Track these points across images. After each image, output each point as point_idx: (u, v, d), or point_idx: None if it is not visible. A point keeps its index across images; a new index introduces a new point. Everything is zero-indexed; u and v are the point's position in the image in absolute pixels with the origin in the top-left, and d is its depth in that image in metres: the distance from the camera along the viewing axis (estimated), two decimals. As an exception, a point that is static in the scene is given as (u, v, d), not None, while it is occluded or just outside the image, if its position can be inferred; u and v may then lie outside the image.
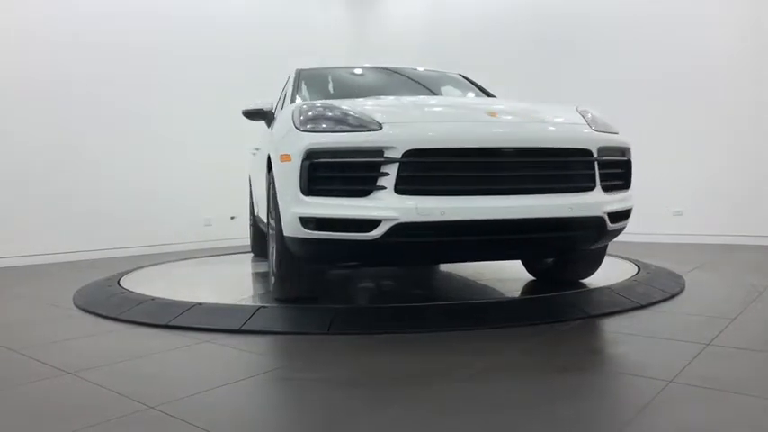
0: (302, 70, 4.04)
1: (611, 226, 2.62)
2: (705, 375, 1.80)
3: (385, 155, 2.37)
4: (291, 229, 2.53)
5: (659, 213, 6.38)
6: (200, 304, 3.00)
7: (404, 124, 2.53)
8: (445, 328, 2.48)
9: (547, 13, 7.12)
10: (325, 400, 1.70)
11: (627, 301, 2.88)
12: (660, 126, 6.38)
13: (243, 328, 2.55)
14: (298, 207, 2.46)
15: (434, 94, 3.78)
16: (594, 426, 1.45)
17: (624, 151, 2.81)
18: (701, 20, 6.12)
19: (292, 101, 3.55)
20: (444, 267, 4.19)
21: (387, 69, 4.16)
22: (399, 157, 2.37)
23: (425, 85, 3.93)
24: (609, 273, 3.63)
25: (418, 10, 8.27)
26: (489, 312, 2.60)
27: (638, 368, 1.89)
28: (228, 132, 6.24)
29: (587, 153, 2.57)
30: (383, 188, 2.37)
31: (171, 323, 2.67)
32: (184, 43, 6.50)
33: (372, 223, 2.35)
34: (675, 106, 6.27)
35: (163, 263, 4.92)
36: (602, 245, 2.99)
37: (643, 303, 2.88)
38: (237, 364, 2.09)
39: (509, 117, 2.70)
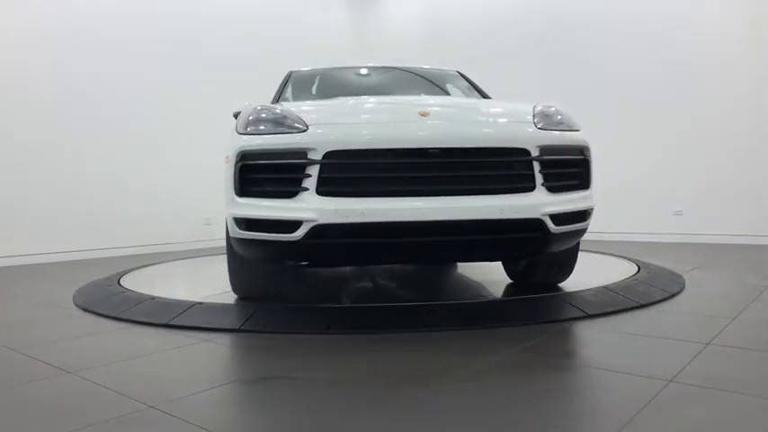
0: (293, 72, 4.10)
1: (555, 228, 2.46)
2: (705, 375, 1.80)
3: (308, 156, 2.40)
4: (231, 229, 2.61)
5: (659, 213, 6.38)
6: (200, 303, 3.00)
7: (328, 125, 2.56)
8: (443, 327, 2.48)
9: (547, 12, 7.12)
10: (324, 400, 1.70)
11: (627, 300, 2.88)
12: (660, 126, 6.38)
13: (242, 327, 2.55)
14: (233, 208, 2.54)
15: (418, 93, 3.71)
16: (594, 425, 1.45)
17: (581, 150, 2.66)
18: (701, 19, 6.12)
19: (276, 102, 3.61)
20: (453, 267, 4.19)
21: (378, 68, 4.15)
22: (320, 158, 2.39)
23: (412, 84, 3.90)
24: (609, 272, 3.63)
25: (418, 9, 8.27)
26: (488, 312, 2.60)
27: (638, 367, 1.89)
28: (229, 132, 6.22)
29: (523, 152, 2.46)
30: (306, 189, 2.39)
31: (171, 322, 2.67)
32: (184, 43, 6.50)
33: (294, 224, 2.38)
34: (675, 106, 6.27)
35: (163, 262, 4.92)
36: (559, 249, 2.74)
37: (643, 303, 2.88)
38: (237, 363, 2.09)
39: (441, 117, 2.65)
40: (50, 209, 5.43)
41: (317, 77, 4.02)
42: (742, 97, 5.91)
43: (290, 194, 2.42)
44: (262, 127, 2.57)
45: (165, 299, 3.06)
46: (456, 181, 2.42)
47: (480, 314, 2.60)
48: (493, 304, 2.66)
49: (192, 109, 6.40)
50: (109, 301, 3.13)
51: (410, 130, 2.48)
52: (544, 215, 2.43)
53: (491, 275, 3.77)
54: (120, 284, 3.53)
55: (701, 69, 6.12)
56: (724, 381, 1.74)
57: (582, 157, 2.65)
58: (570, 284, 3.07)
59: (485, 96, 3.78)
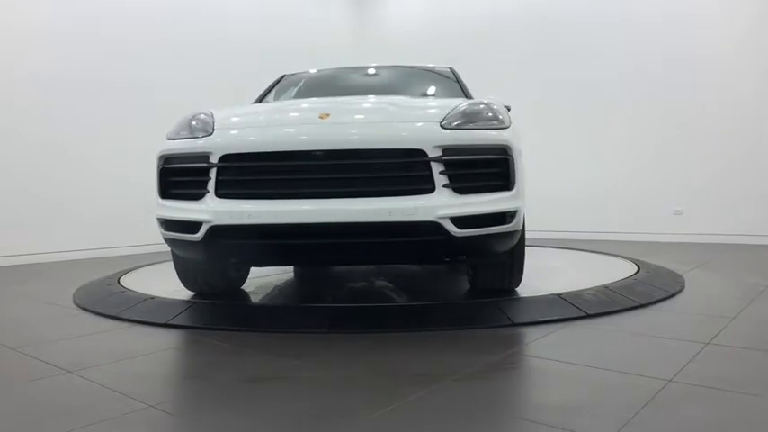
0: (285, 75, 4.21)
1: (459, 232, 2.37)
2: (705, 375, 1.80)
3: (209, 160, 2.49)
4: (159, 229, 2.75)
5: (659, 213, 6.39)
6: (200, 303, 3.00)
7: (230, 129, 2.63)
8: (443, 327, 2.48)
9: (547, 12, 7.12)
10: (324, 399, 1.70)
11: (627, 300, 2.88)
12: (660, 125, 6.38)
13: (242, 326, 2.55)
14: (157, 209, 2.71)
15: (397, 92, 3.60)
16: (594, 425, 1.45)
17: (500, 149, 2.49)
18: (702, 18, 6.12)
19: (258, 103, 3.70)
20: (458, 267, 4.19)
21: (366, 69, 4.14)
22: (216, 162, 2.47)
23: (397, 84, 3.89)
24: (608, 272, 3.63)
25: (418, 10, 8.27)
26: (487, 313, 2.60)
27: (638, 367, 1.89)
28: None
29: (419, 153, 2.37)
30: (207, 192, 2.50)
31: (170, 322, 2.67)
32: (183, 44, 6.50)
33: (196, 226, 2.50)
34: (675, 105, 6.27)
35: (163, 261, 4.91)
36: (485, 254, 2.69)
37: (643, 302, 2.89)
38: (237, 362, 2.09)
39: (343, 119, 2.62)
40: (50, 209, 5.43)
41: (303, 80, 4.11)
42: (743, 97, 5.91)
43: (197, 197, 2.54)
44: (183, 132, 2.69)
45: (164, 298, 3.06)
46: (345, 183, 2.41)
47: (479, 315, 2.60)
48: (492, 305, 2.66)
49: (192, 109, 6.38)
50: (109, 300, 3.12)
51: (299, 132, 2.52)
52: (442, 218, 2.34)
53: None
54: (119, 284, 3.53)
55: (701, 68, 6.12)
56: (724, 380, 1.74)
57: (501, 156, 2.47)
58: (570, 284, 3.07)
59: (466, 94, 3.65)
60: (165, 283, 3.54)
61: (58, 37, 5.55)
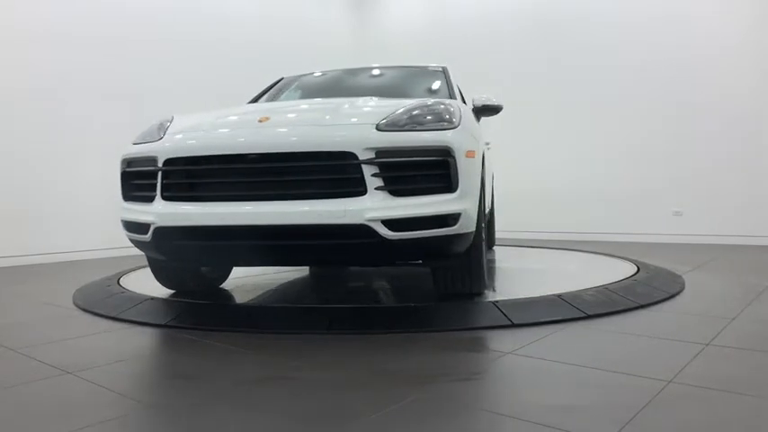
0: (283, 78, 4.28)
1: (393, 234, 2.35)
2: (705, 375, 1.80)
3: (156, 164, 2.61)
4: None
5: (659, 214, 6.39)
6: (200, 304, 3.01)
7: (177, 134, 2.70)
8: (442, 327, 2.48)
9: (547, 12, 7.12)
10: (323, 400, 1.70)
11: (626, 300, 2.88)
12: (659, 126, 6.38)
13: (242, 327, 2.55)
14: (120, 211, 2.84)
15: (382, 93, 3.56)
16: (594, 426, 1.45)
17: (441, 151, 2.42)
18: (701, 18, 6.13)
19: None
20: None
21: (357, 71, 4.15)
22: (161, 165, 2.59)
23: (384, 85, 3.90)
24: (608, 273, 3.64)
25: (418, 10, 8.28)
26: (487, 313, 2.60)
27: (638, 368, 1.89)
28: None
29: (350, 156, 2.36)
30: (156, 195, 2.63)
31: (170, 323, 2.67)
32: (183, 45, 6.50)
33: (145, 227, 2.63)
34: (675, 106, 6.28)
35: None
36: (430, 257, 2.68)
37: (642, 303, 2.89)
38: (237, 363, 2.09)
39: (281, 122, 2.63)
40: (50, 209, 5.43)
41: (297, 82, 4.17)
42: (742, 97, 5.92)
43: (148, 199, 2.67)
44: (145, 137, 2.83)
45: (164, 299, 3.06)
46: (278, 186, 2.45)
47: (479, 315, 2.60)
48: (491, 306, 2.66)
49: (192, 110, 6.39)
50: (108, 301, 3.12)
51: (236, 136, 2.57)
52: (372, 220, 2.32)
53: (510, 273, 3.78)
54: (119, 285, 3.53)
55: (701, 69, 6.13)
56: (724, 381, 1.75)
57: (441, 158, 2.41)
58: (570, 285, 3.07)
59: (451, 94, 3.60)
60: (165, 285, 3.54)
61: (63, 37, 5.55)
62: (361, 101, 2.86)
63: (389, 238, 2.35)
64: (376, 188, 2.36)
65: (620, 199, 6.61)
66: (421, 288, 3.30)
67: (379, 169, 2.37)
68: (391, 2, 8.60)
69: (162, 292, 3.26)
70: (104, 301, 3.13)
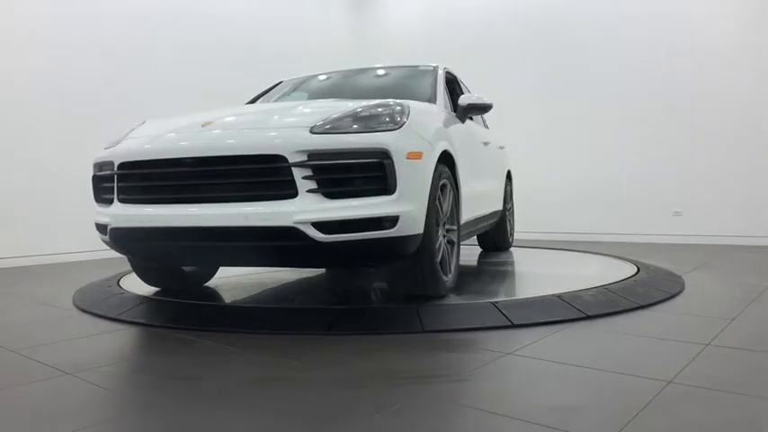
0: (282, 81, 4.35)
1: (324, 237, 2.34)
2: (705, 375, 1.80)
3: (113, 168, 2.74)
4: None
5: (659, 214, 6.39)
6: (200, 304, 3.01)
7: (132, 139, 2.82)
8: (444, 329, 2.48)
9: (546, 12, 7.13)
10: (323, 400, 1.70)
11: (626, 301, 2.88)
12: (659, 127, 6.39)
13: (242, 328, 2.55)
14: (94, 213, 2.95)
15: (373, 94, 3.65)
16: (594, 427, 1.45)
17: (377, 153, 2.40)
18: (700, 17, 6.13)
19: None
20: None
21: (351, 72, 4.17)
22: (116, 170, 2.71)
23: (377, 85, 3.93)
24: (608, 273, 3.63)
25: (417, 11, 8.28)
26: (486, 313, 2.60)
27: (638, 368, 1.89)
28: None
29: (280, 159, 2.37)
30: (113, 197, 2.76)
31: (170, 323, 2.67)
32: (183, 45, 6.50)
33: (105, 228, 2.78)
34: (675, 106, 6.28)
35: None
36: (368, 259, 2.70)
37: (642, 304, 2.89)
38: (236, 363, 2.09)
39: (223, 126, 2.68)
40: (51, 209, 5.42)
41: (292, 84, 4.25)
42: (742, 97, 5.92)
43: (108, 201, 2.80)
44: (112, 142, 2.93)
45: (164, 300, 3.06)
46: (214, 189, 2.50)
47: (479, 316, 2.59)
48: (491, 306, 2.66)
49: (191, 111, 6.39)
50: (108, 302, 3.12)
51: (177, 140, 2.63)
52: (301, 223, 2.33)
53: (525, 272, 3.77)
54: (119, 285, 3.53)
55: (700, 69, 6.13)
56: (724, 381, 1.74)
57: (377, 160, 2.39)
58: (570, 286, 3.07)
59: (435, 93, 3.54)
60: (165, 285, 3.54)
61: (62, 39, 5.55)
62: (312, 104, 2.88)
63: (321, 240, 2.35)
64: (308, 190, 2.37)
65: (619, 199, 6.61)
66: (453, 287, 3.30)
67: (312, 172, 2.37)
68: (391, 3, 8.61)
69: (161, 293, 3.26)
70: (104, 302, 3.13)
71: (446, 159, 2.96)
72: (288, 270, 4.16)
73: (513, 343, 2.25)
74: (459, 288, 3.28)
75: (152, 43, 6.25)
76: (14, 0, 5.29)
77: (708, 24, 6.08)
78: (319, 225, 2.34)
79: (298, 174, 2.36)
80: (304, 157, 2.36)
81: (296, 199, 2.36)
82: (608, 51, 6.69)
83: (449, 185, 2.96)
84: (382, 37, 8.54)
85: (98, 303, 3.13)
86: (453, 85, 4.23)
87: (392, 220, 2.41)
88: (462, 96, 3.57)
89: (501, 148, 5.03)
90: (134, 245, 2.81)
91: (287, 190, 2.38)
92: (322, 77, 4.23)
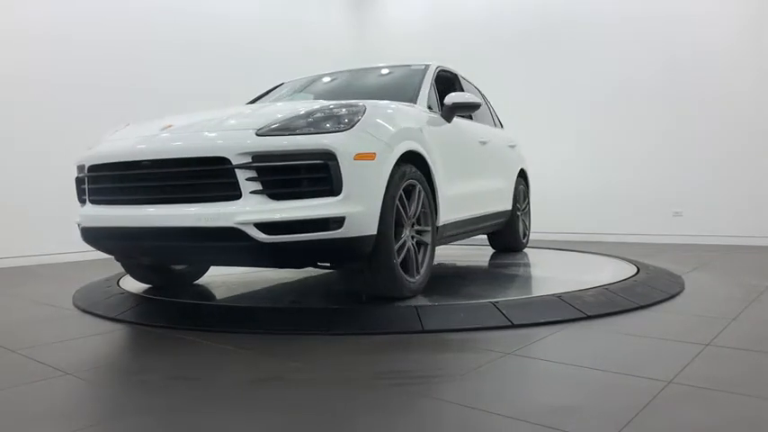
0: (283, 83, 4.39)
1: (267, 237, 2.36)
2: (705, 375, 1.80)
3: (85, 170, 2.86)
4: None
5: (659, 214, 6.39)
6: (200, 304, 3.01)
7: (104, 143, 2.93)
8: (443, 329, 2.47)
9: (547, 12, 7.13)
10: (323, 400, 1.70)
11: (626, 301, 2.88)
12: (659, 127, 6.39)
13: (241, 328, 2.55)
14: None
15: (363, 94, 3.65)
16: (594, 427, 1.45)
17: (321, 154, 2.41)
18: (701, 17, 6.13)
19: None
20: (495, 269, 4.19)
21: (346, 73, 4.17)
22: (86, 172, 2.84)
23: (367, 87, 3.92)
24: (608, 273, 3.63)
25: (417, 12, 8.28)
26: (486, 313, 2.60)
27: (638, 368, 1.89)
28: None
29: (224, 161, 2.41)
30: (86, 198, 2.89)
31: (170, 323, 2.67)
32: (183, 46, 6.50)
33: (78, 227, 2.92)
34: (675, 106, 6.28)
35: (162, 263, 4.91)
36: (287, 260, 2.76)
37: (642, 304, 2.89)
38: (236, 364, 2.09)
39: (180, 129, 2.73)
40: (51, 209, 5.42)
41: (289, 86, 4.30)
42: (742, 97, 5.92)
43: (83, 202, 2.94)
44: (90, 145, 3.02)
45: (164, 300, 3.06)
46: (166, 190, 2.56)
47: (479, 316, 2.59)
48: (491, 306, 2.65)
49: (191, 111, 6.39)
50: (108, 302, 3.12)
51: (136, 143, 2.71)
52: (243, 223, 2.35)
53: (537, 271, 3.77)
54: (119, 286, 3.53)
55: (701, 69, 6.13)
56: (724, 382, 1.74)
57: (322, 161, 2.41)
58: (570, 286, 3.07)
59: (418, 92, 3.49)
60: (165, 286, 3.54)
61: (62, 39, 5.55)
62: (277, 106, 2.88)
63: (264, 241, 2.37)
64: (252, 192, 2.39)
65: (619, 199, 6.61)
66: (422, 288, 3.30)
67: (257, 173, 2.39)
68: (391, 3, 8.61)
69: (161, 293, 3.26)
70: (104, 302, 3.13)
71: (415, 160, 2.95)
72: (288, 270, 4.16)
73: (513, 343, 2.25)
74: (458, 288, 3.28)
75: (152, 43, 6.25)
76: None
77: (707, 25, 6.08)
78: (262, 226, 2.36)
79: (241, 175, 2.39)
80: (248, 159, 2.39)
81: (240, 200, 2.40)
82: (610, 52, 6.69)
83: (418, 186, 2.93)
84: (383, 37, 8.54)
85: (98, 303, 3.13)
86: (453, 84, 4.22)
87: (338, 222, 2.42)
88: (448, 95, 3.49)
89: (512, 146, 4.93)
90: (102, 244, 2.91)
91: (231, 191, 2.41)
92: (324, 79, 4.24)
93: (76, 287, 3.68)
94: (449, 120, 3.52)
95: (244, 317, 2.70)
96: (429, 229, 3.06)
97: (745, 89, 5.89)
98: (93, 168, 2.81)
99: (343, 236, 2.44)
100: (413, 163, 2.91)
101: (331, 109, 2.64)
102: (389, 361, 2.09)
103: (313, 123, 2.53)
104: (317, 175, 2.42)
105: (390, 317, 2.61)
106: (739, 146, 5.93)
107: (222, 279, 3.80)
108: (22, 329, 2.75)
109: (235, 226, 2.36)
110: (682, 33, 6.23)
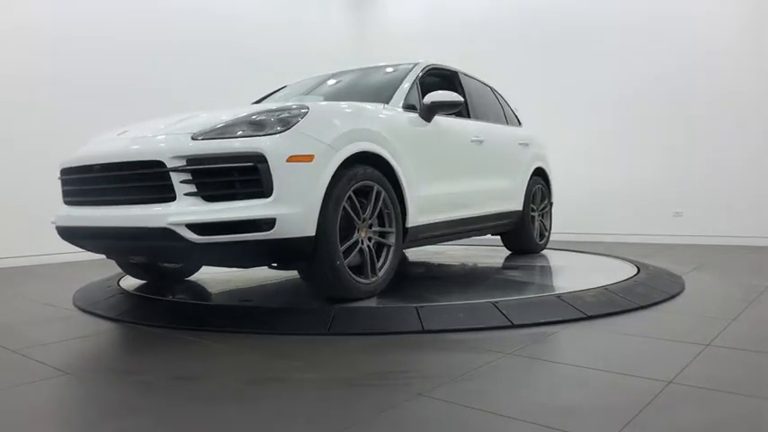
0: (286, 86, 4.43)
1: (199, 238, 2.40)
2: (705, 376, 1.80)
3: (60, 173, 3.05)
4: None
5: (659, 214, 6.39)
6: (200, 304, 3.01)
7: (78, 147, 3.08)
8: (443, 329, 2.47)
9: (548, 13, 7.13)
10: (323, 400, 1.70)
11: (626, 301, 2.88)
12: (660, 126, 6.39)
13: (241, 328, 2.55)
14: None
15: (354, 94, 3.69)
16: (594, 427, 1.45)
17: (252, 157, 2.45)
18: (701, 17, 6.13)
19: None
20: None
21: (343, 73, 4.18)
22: (60, 174, 3.05)
23: (359, 85, 3.91)
24: (608, 273, 3.63)
25: (417, 12, 8.28)
26: (485, 313, 2.60)
27: (638, 368, 1.89)
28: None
29: (159, 164, 2.50)
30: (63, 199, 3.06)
31: (170, 323, 2.67)
32: (184, 46, 6.50)
33: (54, 225, 3.06)
34: (676, 106, 6.28)
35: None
36: (222, 259, 2.84)
37: (642, 304, 2.89)
38: (236, 363, 2.09)
39: (133, 134, 2.86)
40: (51, 209, 5.40)
41: (290, 87, 4.35)
42: (743, 98, 5.92)
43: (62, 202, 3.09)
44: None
45: (164, 300, 3.06)
46: (113, 192, 2.71)
47: (479, 316, 2.59)
48: (491, 306, 2.65)
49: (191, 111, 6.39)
50: (108, 302, 3.13)
51: (94, 148, 2.88)
52: (175, 224, 2.41)
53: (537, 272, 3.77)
54: (119, 285, 3.53)
55: (701, 69, 6.13)
56: (724, 382, 1.74)
57: (252, 164, 2.44)
58: (570, 286, 3.07)
59: (389, 96, 3.44)
60: (166, 285, 3.54)
61: (62, 38, 5.55)
62: (217, 112, 2.87)
63: (196, 241, 2.41)
64: (186, 194, 2.46)
65: (619, 200, 6.61)
66: (422, 288, 3.30)
67: (192, 176, 2.46)
68: (391, 3, 8.61)
69: (160, 293, 3.26)
70: (104, 302, 3.13)
71: (376, 160, 2.94)
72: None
73: (513, 343, 2.25)
74: (458, 287, 3.28)
75: (152, 43, 6.25)
76: None
77: (707, 26, 6.08)
78: (194, 227, 2.41)
79: (176, 178, 2.47)
80: (182, 162, 2.47)
81: (174, 202, 2.48)
82: (610, 53, 6.69)
83: (376, 187, 2.91)
84: (383, 37, 8.54)
85: (98, 303, 3.13)
86: (452, 82, 4.19)
87: (269, 223, 2.45)
88: (427, 95, 3.43)
89: (523, 144, 4.74)
90: (73, 241, 3.05)
91: (167, 193, 2.50)
92: (317, 78, 4.29)
93: (76, 287, 3.68)
94: (428, 119, 3.44)
95: (243, 316, 2.70)
96: (393, 230, 3.04)
97: (746, 89, 5.89)
98: (63, 171, 3.01)
99: (275, 237, 2.47)
100: (372, 164, 2.92)
101: (272, 112, 2.68)
102: (389, 361, 2.09)
103: (249, 127, 2.58)
104: (248, 177, 2.47)
105: (390, 317, 2.61)
106: (740, 146, 5.93)
107: (222, 278, 3.80)
108: (22, 329, 2.75)
109: (167, 226, 2.42)
110: (681, 35, 6.23)
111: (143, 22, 6.20)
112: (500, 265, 4.31)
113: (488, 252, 5.20)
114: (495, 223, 4.31)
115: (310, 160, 2.58)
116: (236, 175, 2.47)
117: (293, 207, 2.50)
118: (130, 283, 3.64)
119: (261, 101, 4.27)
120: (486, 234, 4.56)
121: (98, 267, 4.75)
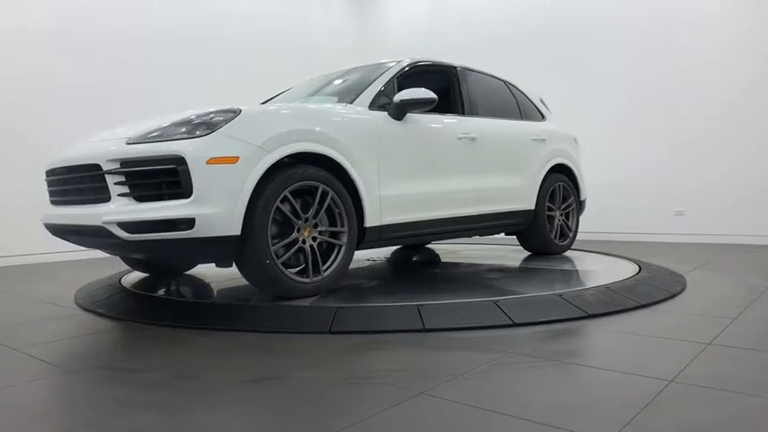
0: (291, 88, 4.46)
1: (130, 236, 2.55)
2: (706, 375, 1.80)
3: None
4: None
5: (661, 213, 6.38)
6: (200, 303, 3.01)
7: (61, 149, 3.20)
8: (443, 327, 2.47)
9: (548, 11, 7.11)
10: (323, 400, 1.70)
11: (628, 300, 2.87)
12: (661, 125, 6.38)
13: (241, 326, 2.55)
14: None
15: (344, 94, 3.68)
16: (595, 426, 1.45)
17: (172, 160, 2.55)
18: (702, 17, 6.11)
19: None
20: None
21: (340, 73, 4.15)
22: (44, 176, 3.18)
23: (350, 84, 3.87)
24: (610, 272, 3.63)
25: (418, 11, 8.27)
26: (485, 312, 2.60)
27: (639, 367, 1.89)
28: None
29: (96, 167, 2.68)
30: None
31: (170, 322, 2.67)
32: (184, 46, 6.50)
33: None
34: (677, 105, 6.27)
35: (164, 262, 4.91)
36: (156, 255, 3.20)
37: (644, 303, 2.88)
38: (236, 362, 2.09)
39: (88, 140, 3.04)
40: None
41: (290, 88, 4.42)
42: (744, 96, 5.90)
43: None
44: None
45: (165, 299, 3.06)
46: (71, 193, 2.92)
47: (480, 314, 2.59)
48: (492, 305, 2.65)
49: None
50: (110, 300, 3.13)
51: (65, 151, 3.05)
52: (107, 223, 2.56)
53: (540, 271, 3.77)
54: (121, 284, 3.53)
55: (703, 68, 6.12)
56: (725, 381, 1.74)
57: (173, 166, 2.55)
58: (571, 284, 3.07)
59: (357, 94, 3.44)
60: (167, 284, 3.55)
61: (62, 38, 5.56)
62: (161, 118, 2.92)
63: (127, 239, 2.56)
64: (120, 194, 2.62)
65: (621, 198, 6.60)
66: (422, 288, 3.30)
67: (125, 178, 2.62)
68: (391, 2, 8.60)
69: (163, 292, 3.27)
70: (106, 301, 3.13)
71: (324, 161, 2.95)
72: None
73: (514, 342, 2.24)
74: (461, 286, 3.28)
75: (152, 43, 6.25)
76: (16, -1, 5.30)
77: (708, 25, 6.07)
78: (124, 225, 2.56)
79: (110, 180, 2.64)
80: (116, 165, 2.63)
81: (109, 202, 2.64)
82: (608, 53, 6.67)
83: (322, 187, 2.91)
84: (384, 36, 8.53)
85: (99, 302, 3.13)
86: (449, 78, 4.13)
87: (188, 223, 2.55)
88: (398, 93, 3.38)
89: (538, 140, 4.55)
90: (60, 237, 3.17)
91: (103, 194, 2.67)
92: (314, 79, 4.33)
93: (78, 286, 3.68)
94: (398, 117, 3.37)
95: (244, 315, 2.70)
96: (345, 230, 3.03)
97: (746, 89, 5.88)
98: (45, 173, 3.18)
99: (195, 236, 2.56)
100: (319, 164, 2.93)
101: (201, 116, 2.74)
102: (390, 360, 2.09)
103: (176, 131, 2.68)
104: (171, 179, 2.58)
105: (391, 315, 2.61)
106: (741, 144, 5.92)
107: (224, 277, 3.80)
108: (24, 328, 2.75)
109: (102, 225, 2.58)
110: (683, 36, 6.21)
111: (142, 22, 6.20)
112: (501, 265, 4.31)
113: (505, 252, 5.10)
114: (494, 223, 4.17)
115: (234, 162, 2.65)
116: (162, 177, 2.60)
117: (214, 207, 2.58)
118: (132, 281, 3.64)
119: (266, 103, 4.28)
120: (486, 234, 4.49)
121: (99, 266, 4.76)
